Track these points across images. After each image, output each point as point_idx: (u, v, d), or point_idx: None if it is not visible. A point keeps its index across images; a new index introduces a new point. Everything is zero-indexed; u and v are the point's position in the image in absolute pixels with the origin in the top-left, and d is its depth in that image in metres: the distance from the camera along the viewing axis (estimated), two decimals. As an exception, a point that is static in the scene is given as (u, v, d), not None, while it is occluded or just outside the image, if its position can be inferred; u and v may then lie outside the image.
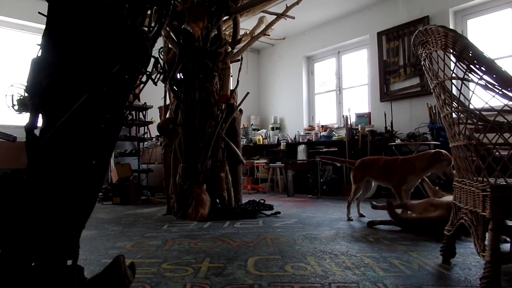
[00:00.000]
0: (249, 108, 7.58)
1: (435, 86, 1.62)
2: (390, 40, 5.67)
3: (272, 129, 7.37)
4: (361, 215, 3.25)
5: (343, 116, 6.18)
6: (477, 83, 1.35)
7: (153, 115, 5.82)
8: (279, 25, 4.51)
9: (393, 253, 1.96)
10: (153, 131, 5.67)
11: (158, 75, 1.36)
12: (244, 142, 6.84)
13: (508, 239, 2.30)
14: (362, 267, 1.70)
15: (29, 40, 5.49)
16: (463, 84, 1.41)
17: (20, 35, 5.47)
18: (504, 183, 1.33)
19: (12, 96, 3.43)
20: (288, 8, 4.18)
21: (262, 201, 3.82)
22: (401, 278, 1.53)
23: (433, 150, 2.79)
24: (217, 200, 3.45)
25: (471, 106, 1.42)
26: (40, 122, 0.94)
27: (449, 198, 2.45)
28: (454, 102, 1.49)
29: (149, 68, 1.09)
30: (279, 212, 3.51)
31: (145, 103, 5.41)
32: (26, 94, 0.95)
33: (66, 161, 0.90)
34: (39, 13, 1.19)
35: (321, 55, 7.01)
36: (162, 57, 4.05)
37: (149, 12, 1.07)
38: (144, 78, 1.09)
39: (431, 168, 2.73)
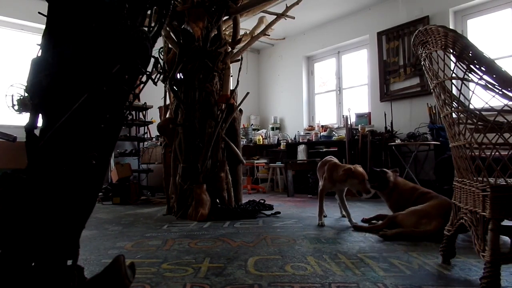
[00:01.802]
0: (249, 108, 7.58)
1: (435, 86, 1.62)
2: (390, 40, 5.67)
3: (272, 129, 7.36)
4: (344, 216, 3.17)
5: (343, 116, 6.18)
6: (477, 83, 1.35)
7: (153, 115, 5.82)
8: (279, 25, 4.51)
9: (393, 253, 1.96)
10: (153, 131, 5.67)
11: (158, 75, 1.36)
12: (244, 142, 6.84)
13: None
14: (362, 267, 1.70)
15: (29, 40, 5.49)
16: (463, 84, 1.41)
17: (20, 35, 5.47)
18: (504, 183, 1.33)
19: (12, 96, 3.43)
20: (288, 8, 4.18)
21: (262, 201, 3.82)
22: (401, 278, 1.53)
23: (346, 167, 2.74)
24: (217, 200, 3.45)
25: (471, 106, 1.42)
26: (40, 122, 0.94)
27: (429, 202, 2.39)
28: (454, 102, 1.49)
29: (149, 68, 1.09)
30: (279, 212, 3.51)
31: (145, 103, 5.41)
32: (26, 94, 0.95)
33: (66, 161, 0.90)
34: (39, 13, 1.19)
35: (321, 55, 7.01)
36: (162, 57, 4.05)
37: (149, 12, 1.07)
38: (144, 78, 1.09)
39: (345, 183, 2.74)
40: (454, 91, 1.55)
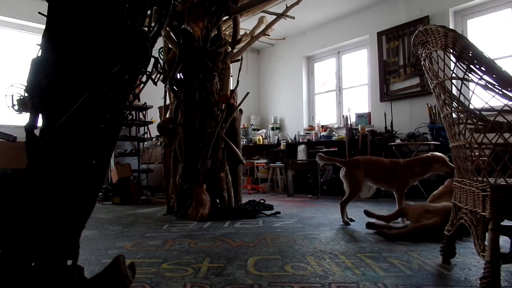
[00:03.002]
0: (249, 108, 7.58)
1: (435, 86, 1.62)
2: (390, 40, 5.67)
3: (272, 129, 7.36)
4: (351, 220, 2.98)
5: (343, 116, 6.18)
6: (477, 83, 1.35)
7: (153, 115, 5.82)
8: (279, 25, 4.51)
9: (393, 253, 1.96)
10: (153, 131, 5.67)
11: (158, 75, 1.36)
12: (244, 142, 6.84)
13: None
14: (362, 267, 1.70)
15: (29, 40, 5.49)
16: (463, 84, 1.41)
17: (20, 35, 5.47)
18: (504, 183, 1.33)
19: (12, 96, 3.43)
20: (288, 8, 4.18)
21: (262, 201, 3.82)
22: (401, 278, 1.53)
23: (424, 156, 2.86)
24: (217, 200, 3.45)
25: (471, 106, 1.42)
26: (40, 122, 0.94)
27: (444, 203, 2.45)
28: (454, 102, 1.49)
29: (149, 68, 1.09)
30: (279, 212, 3.51)
31: (145, 103, 5.41)
32: (26, 94, 0.95)
33: (66, 161, 0.90)
34: (39, 13, 1.19)
35: (321, 55, 7.02)
36: (162, 57, 4.05)
37: (149, 12, 1.07)
38: (144, 78, 1.09)
39: (428, 172, 2.85)
40: (454, 91, 1.54)
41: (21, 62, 5.20)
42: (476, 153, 1.40)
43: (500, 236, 1.32)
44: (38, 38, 1.62)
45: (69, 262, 0.93)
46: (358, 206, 4.05)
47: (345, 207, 2.95)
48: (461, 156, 1.51)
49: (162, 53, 4.06)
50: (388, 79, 5.67)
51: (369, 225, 2.69)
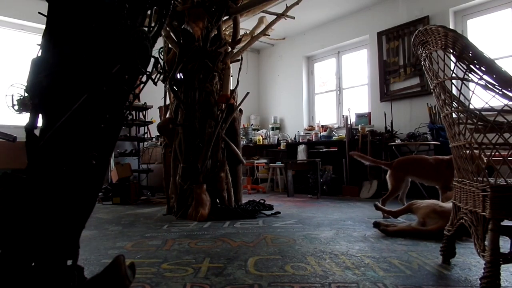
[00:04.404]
0: (249, 108, 7.58)
1: (435, 86, 1.62)
2: (390, 40, 5.67)
3: (272, 129, 7.36)
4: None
5: (343, 116, 6.18)
6: (477, 83, 1.35)
7: (153, 115, 5.82)
8: (279, 25, 4.51)
9: (393, 253, 1.96)
10: (153, 131, 5.67)
11: (158, 75, 1.36)
12: (244, 142, 6.84)
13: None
14: (362, 267, 1.70)
15: (29, 40, 5.49)
16: (463, 84, 1.41)
17: (20, 35, 5.47)
18: (504, 183, 1.33)
19: (12, 96, 3.43)
20: (288, 8, 4.18)
21: (262, 201, 3.82)
22: (401, 278, 1.53)
23: None
24: (217, 200, 3.45)
25: (471, 106, 1.42)
26: (40, 122, 0.94)
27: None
28: (454, 102, 1.49)
29: (149, 68, 1.09)
30: (279, 212, 3.51)
31: (145, 103, 5.41)
32: (26, 94, 0.95)
33: (66, 161, 0.91)
34: (39, 13, 1.19)
35: (321, 55, 7.01)
36: (162, 57, 4.05)
37: (149, 12, 1.07)
38: (144, 78, 1.09)
39: None
40: (454, 91, 1.54)
41: (21, 62, 5.20)
42: (476, 153, 1.40)
43: (500, 236, 1.32)
44: (38, 38, 1.62)
45: (69, 262, 0.93)
46: (358, 206, 4.05)
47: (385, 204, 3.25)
48: (461, 156, 1.51)
49: (162, 53, 4.06)
50: (388, 79, 5.67)
51: (376, 224, 2.69)
